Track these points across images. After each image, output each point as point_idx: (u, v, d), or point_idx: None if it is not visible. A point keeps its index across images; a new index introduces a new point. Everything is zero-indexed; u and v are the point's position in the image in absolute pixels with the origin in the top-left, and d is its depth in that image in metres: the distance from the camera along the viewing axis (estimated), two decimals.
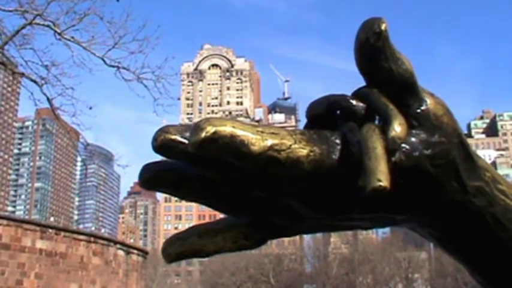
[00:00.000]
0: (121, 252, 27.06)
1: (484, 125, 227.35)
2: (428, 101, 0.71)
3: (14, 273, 20.70)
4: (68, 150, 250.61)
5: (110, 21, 19.11)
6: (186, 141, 0.64)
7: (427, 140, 0.69)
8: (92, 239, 25.13)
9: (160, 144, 0.65)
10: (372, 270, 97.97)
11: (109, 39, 18.96)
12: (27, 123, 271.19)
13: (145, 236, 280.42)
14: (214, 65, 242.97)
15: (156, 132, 0.66)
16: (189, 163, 0.67)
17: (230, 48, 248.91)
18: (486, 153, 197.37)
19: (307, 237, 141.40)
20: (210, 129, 0.59)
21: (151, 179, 0.69)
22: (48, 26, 18.04)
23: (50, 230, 22.81)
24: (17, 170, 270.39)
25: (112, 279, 25.97)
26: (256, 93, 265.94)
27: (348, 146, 0.67)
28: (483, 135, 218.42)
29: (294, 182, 0.67)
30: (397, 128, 0.66)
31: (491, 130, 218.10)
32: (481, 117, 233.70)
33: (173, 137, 0.65)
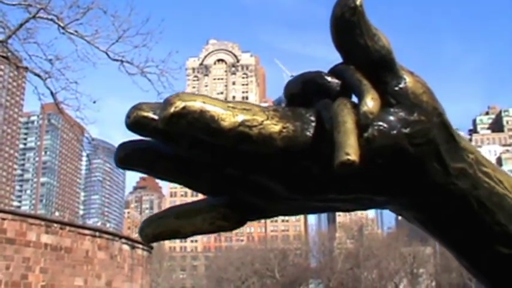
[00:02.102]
0: (126, 247, 27.07)
1: (490, 121, 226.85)
2: (407, 78, 0.70)
3: (19, 268, 20.72)
4: (73, 145, 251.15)
5: (113, 15, 19.11)
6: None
7: (406, 119, 0.68)
8: (97, 233, 25.13)
9: (133, 121, 0.64)
10: (377, 265, 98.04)
11: (113, 33, 18.94)
12: (32, 118, 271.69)
13: None
14: (220, 60, 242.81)
15: (129, 110, 0.65)
16: (162, 141, 0.66)
17: (236, 43, 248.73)
18: (492, 149, 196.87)
19: (312, 232, 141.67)
20: (179, 104, 0.59)
21: (126, 158, 0.68)
22: (51, 19, 18.03)
23: (55, 225, 22.82)
24: (23, 165, 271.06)
25: (117, 273, 25.98)
26: (262, 88, 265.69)
27: (322, 122, 0.66)
28: (489, 131, 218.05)
29: (266, 160, 0.65)
30: (370, 102, 0.64)
31: (497, 126, 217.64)
32: (487, 113, 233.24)
33: (146, 114, 0.64)
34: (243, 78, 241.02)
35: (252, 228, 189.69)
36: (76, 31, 18.47)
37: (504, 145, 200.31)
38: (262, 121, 0.62)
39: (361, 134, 0.64)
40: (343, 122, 0.62)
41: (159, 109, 0.62)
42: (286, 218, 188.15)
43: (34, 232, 21.51)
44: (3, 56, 18.73)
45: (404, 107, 0.68)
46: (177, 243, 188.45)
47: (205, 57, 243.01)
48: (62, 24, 18.15)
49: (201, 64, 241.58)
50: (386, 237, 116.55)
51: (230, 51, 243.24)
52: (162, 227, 0.70)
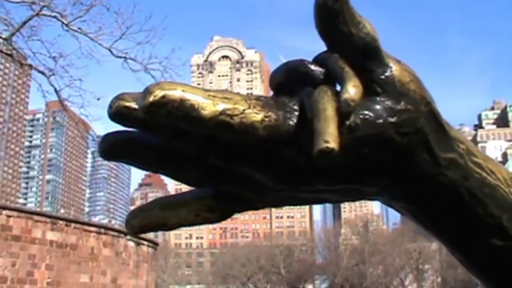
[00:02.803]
0: (131, 244, 27.12)
1: (495, 116, 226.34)
2: (394, 67, 0.68)
3: (24, 265, 20.78)
4: (78, 142, 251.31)
5: (116, 11, 19.11)
6: None
7: (392, 108, 0.67)
8: (102, 230, 25.18)
9: (115, 111, 0.63)
10: (382, 261, 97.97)
11: (116, 30, 18.94)
12: (37, 116, 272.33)
13: None
14: (224, 57, 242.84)
15: (111, 100, 0.64)
16: (144, 130, 0.65)
17: (240, 39, 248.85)
18: (497, 144, 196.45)
19: (317, 229, 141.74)
20: (159, 93, 0.58)
21: (109, 149, 0.67)
22: (55, 17, 18.04)
23: (60, 222, 22.87)
24: (28, 162, 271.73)
25: (122, 270, 26.04)
26: (267, 85, 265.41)
27: (305, 111, 0.64)
28: (494, 126, 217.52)
29: (249, 150, 0.64)
30: (351, 89, 0.63)
31: (502, 121, 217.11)
32: (492, 108, 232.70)
33: (127, 103, 0.63)
34: (248, 74, 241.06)
35: (258, 225, 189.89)
36: (79, 28, 18.50)
37: (509, 140, 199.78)
38: (244, 110, 0.61)
39: (342, 122, 0.63)
40: (323, 109, 0.62)
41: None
42: (292, 214, 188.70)
43: (39, 229, 21.57)
44: (7, 54, 18.77)
45: (391, 95, 0.67)
46: (182, 239, 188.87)
47: (210, 53, 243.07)
48: (65, 22, 18.18)
49: (205, 61, 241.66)
50: (392, 233, 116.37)
51: (235, 48, 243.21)
52: (147, 218, 0.69)
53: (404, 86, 0.68)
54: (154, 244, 31.21)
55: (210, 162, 0.67)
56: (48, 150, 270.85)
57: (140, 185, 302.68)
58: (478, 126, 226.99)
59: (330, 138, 0.59)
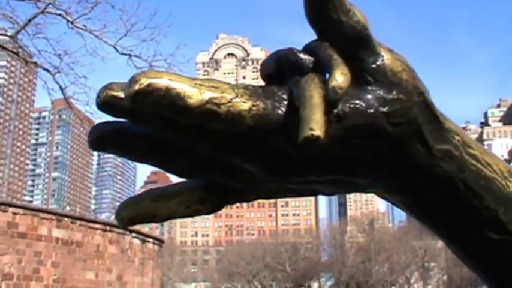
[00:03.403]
0: (137, 241, 27.19)
1: (501, 113, 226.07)
2: (385, 56, 0.67)
3: (30, 262, 20.85)
4: (84, 140, 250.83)
5: (121, 9, 19.11)
6: None
7: (384, 97, 0.66)
8: (108, 227, 25.23)
9: (103, 100, 0.62)
10: (388, 259, 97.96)
11: (121, 27, 18.94)
12: (43, 114, 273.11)
13: (162, 225, 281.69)
14: (230, 54, 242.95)
15: (99, 89, 0.64)
16: (132, 120, 0.64)
17: (246, 37, 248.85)
18: (503, 142, 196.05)
19: (323, 226, 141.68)
20: (144, 82, 0.57)
21: (99, 140, 0.66)
22: (60, 14, 18.07)
23: (66, 219, 22.94)
24: (34, 160, 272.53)
25: (128, 267, 26.10)
26: None
27: (293, 100, 0.63)
28: (500, 124, 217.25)
29: (238, 139, 0.63)
30: (339, 77, 0.61)
31: (508, 118, 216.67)
32: (498, 106, 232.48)
33: (115, 93, 0.62)
34: (253, 72, 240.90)
35: (263, 222, 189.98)
36: (84, 26, 18.53)
37: None
38: (231, 99, 0.60)
39: (330, 110, 0.62)
40: (309, 96, 0.61)
41: None
42: (298, 212, 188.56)
43: (45, 226, 21.64)
44: (12, 51, 18.83)
45: (382, 85, 0.66)
46: (188, 237, 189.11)
47: (216, 51, 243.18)
48: (70, 19, 18.21)
49: (211, 58, 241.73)
50: (398, 231, 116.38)
51: (240, 45, 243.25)
52: (137, 210, 0.68)
53: (396, 76, 0.67)
54: (159, 241, 31.27)
55: (199, 153, 0.66)
56: (54, 148, 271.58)
57: (146, 183, 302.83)
58: (484, 123, 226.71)
59: (315, 125, 0.58)
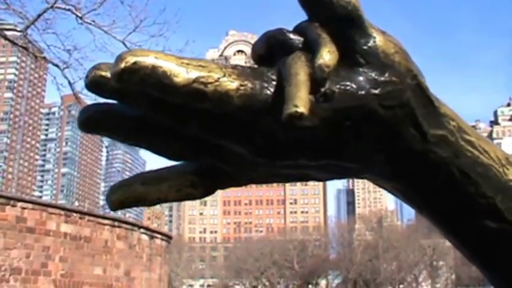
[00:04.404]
0: (145, 237, 27.22)
1: (511, 112, 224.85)
2: (377, 37, 0.66)
3: (39, 257, 20.91)
4: (93, 136, 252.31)
5: (130, 4, 19.14)
6: None
7: (376, 79, 0.64)
8: (116, 223, 25.27)
9: (91, 80, 0.62)
10: (396, 257, 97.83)
11: (130, 22, 18.95)
12: (53, 109, 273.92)
13: (170, 221, 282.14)
14: (240, 51, 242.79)
15: (88, 70, 0.63)
16: (120, 100, 0.63)
17: (255, 34, 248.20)
18: None
19: (331, 224, 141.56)
20: (130, 60, 0.56)
21: (88, 121, 0.65)
22: (69, 10, 18.08)
23: (75, 214, 22.98)
24: (44, 155, 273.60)
25: (136, 263, 26.14)
26: None
27: (282, 81, 0.62)
28: (510, 123, 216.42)
29: (226, 120, 0.62)
30: (326, 55, 0.60)
31: None
32: (508, 104, 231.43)
33: (104, 73, 0.61)
34: None
35: (272, 220, 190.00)
36: (93, 21, 18.54)
37: None
38: (218, 78, 0.59)
39: (317, 89, 0.61)
40: (294, 74, 0.60)
41: None
42: (306, 209, 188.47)
43: (54, 221, 21.69)
44: (22, 46, 18.88)
45: (374, 66, 0.65)
46: (196, 233, 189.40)
47: (225, 48, 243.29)
48: (79, 15, 18.22)
49: (220, 55, 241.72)
50: (406, 229, 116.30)
51: (250, 42, 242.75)
52: (128, 193, 0.68)
53: (388, 57, 0.66)
54: (168, 237, 31.30)
55: (188, 134, 0.65)
56: (64, 144, 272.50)
57: None
58: (494, 122, 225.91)
59: (299, 102, 0.57)
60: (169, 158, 0.69)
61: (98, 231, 23.88)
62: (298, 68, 0.60)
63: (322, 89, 0.61)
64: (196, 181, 0.68)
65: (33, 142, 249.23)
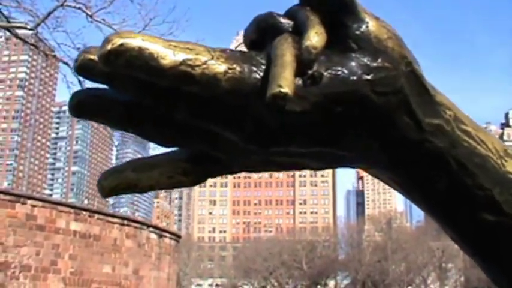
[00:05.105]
0: (154, 236, 27.27)
1: None
2: (370, 22, 0.64)
3: (48, 254, 21.00)
4: (103, 135, 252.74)
5: (140, 3, 19.24)
6: None
7: (368, 65, 0.63)
8: (125, 222, 25.35)
9: (80, 63, 0.61)
10: (405, 259, 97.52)
11: (139, 21, 19.02)
12: (64, 108, 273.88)
13: (179, 220, 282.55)
14: None
15: (78, 54, 0.62)
16: (108, 84, 0.62)
17: None
18: None
19: (341, 224, 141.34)
20: (117, 42, 0.55)
21: (79, 105, 0.64)
22: (79, 8, 18.16)
23: (84, 213, 23.07)
24: (54, 154, 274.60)
25: (145, 261, 26.20)
26: None
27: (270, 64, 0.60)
28: None
29: (214, 104, 0.61)
30: (313, 37, 0.60)
31: None
32: None
33: (93, 56, 0.60)
34: None
35: (281, 220, 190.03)
36: (103, 19, 18.60)
37: None
38: (206, 61, 0.58)
39: (304, 71, 0.60)
40: (280, 55, 0.59)
41: None
42: (315, 210, 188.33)
43: (63, 219, 21.78)
44: (32, 44, 18.96)
45: (367, 52, 0.64)
46: (205, 233, 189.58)
47: (236, 48, 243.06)
48: (89, 13, 18.29)
49: None
50: (415, 230, 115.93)
51: None
52: (119, 179, 0.67)
53: (381, 43, 0.64)
54: (177, 236, 31.35)
55: (177, 119, 0.64)
56: (74, 142, 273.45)
57: None
58: (505, 124, 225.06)
59: (283, 82, 0.56)
60: (161, 144, 0.68)
61: (107, 230, 23.95)
62: (284, 49, 0.60)
63: (310, 71, 0.60)
64: (188, 169, 0.68)
65: (43, 140, 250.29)
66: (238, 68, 0.60)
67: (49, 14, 18.01)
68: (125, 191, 0.68)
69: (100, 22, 18.63)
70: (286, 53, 0.59)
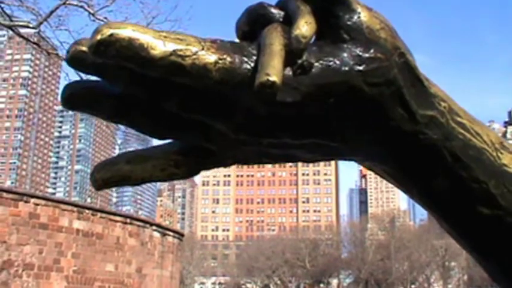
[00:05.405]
0: (157, 234, 27.29)
1: None
2: (362, 13, 0.64)
3: (51, 253, 21.02)
4: (106, 133, 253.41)
5: (142, 1, 19.31)
6: None
7: (360, 55, 0.63)
8: (128, 220, 25.38)
9: (71, 56, 0.61)
10: (408, 257, 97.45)
11: (142, 19, 19.02)
12: None
13: (183, 219, 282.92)
14: None
15: (70, 45, 0.62)
16: (99, 76, 0.62)
17: None
18: None
19: (344, 223, 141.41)
20: (107, 32, 0.55)
21: (71, 97, 0.64)
22: (81, 6, 18.19)
23: (87, 211, 23.09)
24: (58, 152, 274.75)
25: (148, 260, 26.22)
26: None
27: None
28: None
29: (205, 95, 0.61)
30: (303, 26, 0.59)
31: None
32: None
33: (84, 48, 0.60)
34: None
35: (284, 218, 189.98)
36: (106, 18, 18.58)
37: None
38: (196, 51, 0.58)
39: (294, 60, 0.60)
40: (269, 44, 0.59)
41: None
42: (318, 208, 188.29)
43: (66, 218, 21.80)
44: (34, 43, 18.99)
45: (359, 43, 0.63)
46: (209, 231, 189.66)
47: None
48: (91, 11, 18.32)
49: None
50: (418, 229, 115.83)
51: None
52: (112, 171, 0.67)
53: (373, 33, 0.64)
54: (180, 235, 31.37)
55: (169, 111, 0.64)
56: (77, 141, 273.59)
57: None
58: (508, 123, 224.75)
59: (271, 71, 0.56)
60: (153, 136, 0.68)
61: (110, 228, 23.98)
62: (273, 38, 0.59)
63: (299, 61, 0.60)
64: (181, 161, 0.68)
65: (47, 139, 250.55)
66: (228, 59, 0.59)
67: (51, 12, 18.04)
68: (118, 184, 0.67)
69: (102, 20, 18.62)
70: (275, 42, 0.59)
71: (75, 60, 0.61)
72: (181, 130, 0.66)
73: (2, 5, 17.72)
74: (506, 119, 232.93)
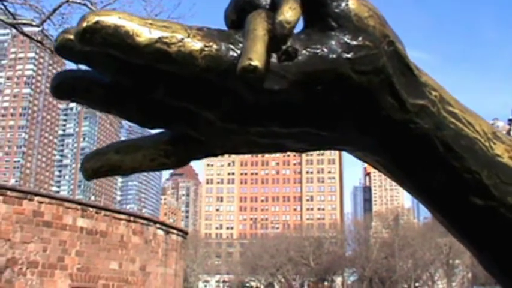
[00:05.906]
0: (161, 232, 27.35)
1: None
2: (350, 0, 0.63)
3: (55, 250, 21.08)
4: (110, 131, 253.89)
5: None
6: None
7: (348, 43, 0.62)
8: (132, 218, 25.44)
9: (59, 43, 0.61)
10: (412, 255, 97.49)
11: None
12: (71, 105, 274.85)
13: (187, 217, 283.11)
14: None
15: (57, 34, 0.62)
16: (86, 64, 0.62)
17: None
18: None
19: (348, 221, 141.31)
20: (92, 19, 0.55)
21: (60, 86, 0.64)
22: (84, 4, 18.20)
23: (91, 209, 23.14)
24: (62, 150, 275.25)
25: (151, 258, 26.27)
26: None
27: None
28: None
29: (192, 82, 0.61)
30: (287, 12, 0.59)
31: None
32: None
33: (72, 36, 0.59)
34: None
35: (288, 216, 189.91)
36: None
37: None
38: (182, 39, 0.57)
39: (278, 46, 0.59)
40: (252, 29, 0.59)
41: None
42: (322, 206, 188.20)
43: (70, 216, 21.85)
44: (38, 41, 18.99)
45: (347, 30, 0.62)
46: (213, 229, 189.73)
47: None
48: (94, 9, 18.31)
49: None
50: (422, 227, 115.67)
51: None
52: (101, 161, 0.67)
53: (362, 21, 0.63)
54: (183, 233, 31.43)
55: (157, 99, 0.63)
56: (81, 139, 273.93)
57: (171, 175, 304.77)
58: None
59: (254, 55, 0.56)
60: (142, 125, 0.67)
61: (114, 226, 24.03)
62: (257, 24, 0.59)
63: (284, 47, 0.60)
64: (170, 151, 0.68)
65: (51, 137, 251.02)
66: (214, 46, 0.59)
67: (54, 10, 18.05)
68: (108, 173, 0.68)
69: None
70: (258, 28, 0.59)
71: (63, 48, 0.61)
72: (170, 119, 0.66)
73: (6, 4, 17.75)
74: (510, 117, 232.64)
